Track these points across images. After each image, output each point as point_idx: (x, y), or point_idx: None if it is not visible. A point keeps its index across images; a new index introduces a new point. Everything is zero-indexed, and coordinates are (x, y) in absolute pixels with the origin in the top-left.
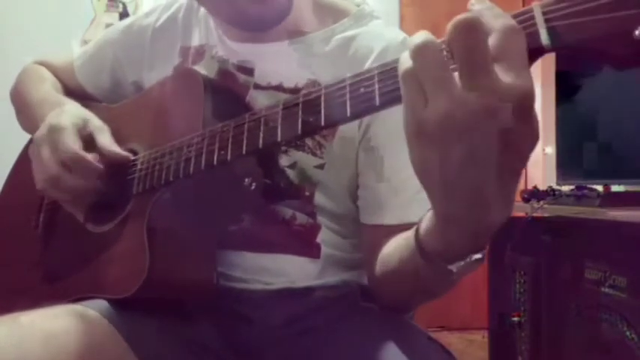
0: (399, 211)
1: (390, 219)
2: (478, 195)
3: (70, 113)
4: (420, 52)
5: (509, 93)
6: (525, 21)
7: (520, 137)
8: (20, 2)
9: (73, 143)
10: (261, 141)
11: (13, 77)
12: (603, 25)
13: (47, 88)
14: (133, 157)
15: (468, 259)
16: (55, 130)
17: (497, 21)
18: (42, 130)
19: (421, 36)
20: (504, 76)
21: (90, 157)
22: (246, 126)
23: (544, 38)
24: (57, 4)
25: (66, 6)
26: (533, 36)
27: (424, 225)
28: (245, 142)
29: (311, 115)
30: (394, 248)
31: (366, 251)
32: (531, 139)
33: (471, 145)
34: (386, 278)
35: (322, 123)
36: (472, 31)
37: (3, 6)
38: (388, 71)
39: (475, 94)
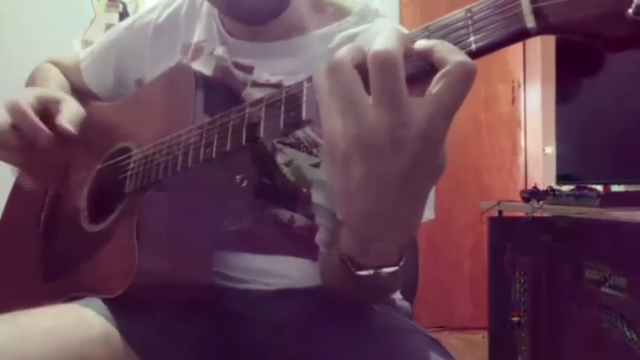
0: None
1: None
2: (375, 211)
3: (46, 89)
4: (332, 72)
5: (418, 124)
6: (509, 3)
7: (426, 159)
8: (20, 2)
9: (23, 104)
10: (244, 137)
11: (14, 77)
12: (593, 4)
13: (49, 85)
14: (73, 135)
15: (378, 270)
16: (17, 99)
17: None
18: None
19: (339, 54)
20: (417, 108)
21: (34, 113)
22: (231, 122)
23: (529, 20)
24: (57, 4)
25: (66, 6)
26: (516, 18)
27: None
28: (229, 138)
29: (292, 109)
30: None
31: None
32: (438, 166)
33: (371, 167)
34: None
35: (303, 117)
36: (392, 69)
37: (3, 6)
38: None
39: (385, 124)
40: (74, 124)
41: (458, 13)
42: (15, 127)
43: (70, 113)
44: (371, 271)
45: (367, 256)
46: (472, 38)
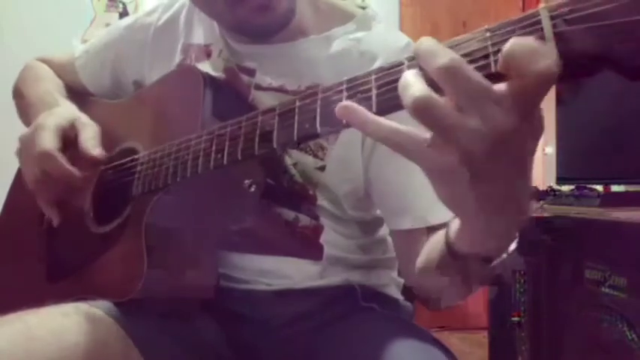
0: (421, 214)
1: (414, 223)
2: (508, 205)
3: (57, 114)
4: (423, 111)
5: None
6: (530, 26)
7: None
8: (20, 2)
9: (48, 143)
10: (256, 147)
11: (14, 77)
12: (616, 31)
13: (46, 87)
14: (104, 160)
15: (505, 253)
16: (36, 130)
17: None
18: (27, 131)
19: (420, 96)
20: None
21: (62, 156)
22: (242, 130)
23: (550, 46)
24: (57, 4)
25: (66, 6)
26: None
27: (455, 236)
28: (241, 146)
29: (307, 121)
30: (428, 258)
31: (398, 255)
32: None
33: (498, 170)
34: (428, 284)
35: (318, 131)
36: (461, 70)
37: (3, 6)
38: (386, 76)
39: (480, 125)
40: (97, 144)
41: (477, 33)
42: (45, 172)
43: (92, 133)
44: (503, 256)
45: (501, 247)
46: (492, 59)
